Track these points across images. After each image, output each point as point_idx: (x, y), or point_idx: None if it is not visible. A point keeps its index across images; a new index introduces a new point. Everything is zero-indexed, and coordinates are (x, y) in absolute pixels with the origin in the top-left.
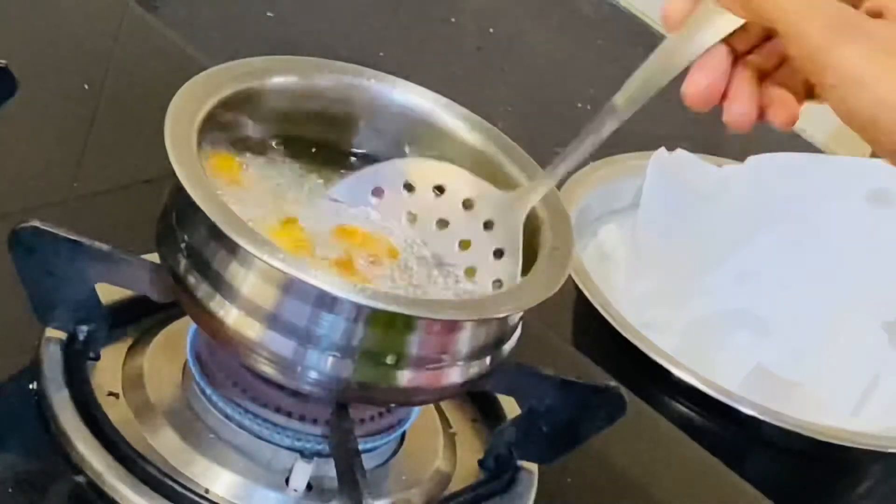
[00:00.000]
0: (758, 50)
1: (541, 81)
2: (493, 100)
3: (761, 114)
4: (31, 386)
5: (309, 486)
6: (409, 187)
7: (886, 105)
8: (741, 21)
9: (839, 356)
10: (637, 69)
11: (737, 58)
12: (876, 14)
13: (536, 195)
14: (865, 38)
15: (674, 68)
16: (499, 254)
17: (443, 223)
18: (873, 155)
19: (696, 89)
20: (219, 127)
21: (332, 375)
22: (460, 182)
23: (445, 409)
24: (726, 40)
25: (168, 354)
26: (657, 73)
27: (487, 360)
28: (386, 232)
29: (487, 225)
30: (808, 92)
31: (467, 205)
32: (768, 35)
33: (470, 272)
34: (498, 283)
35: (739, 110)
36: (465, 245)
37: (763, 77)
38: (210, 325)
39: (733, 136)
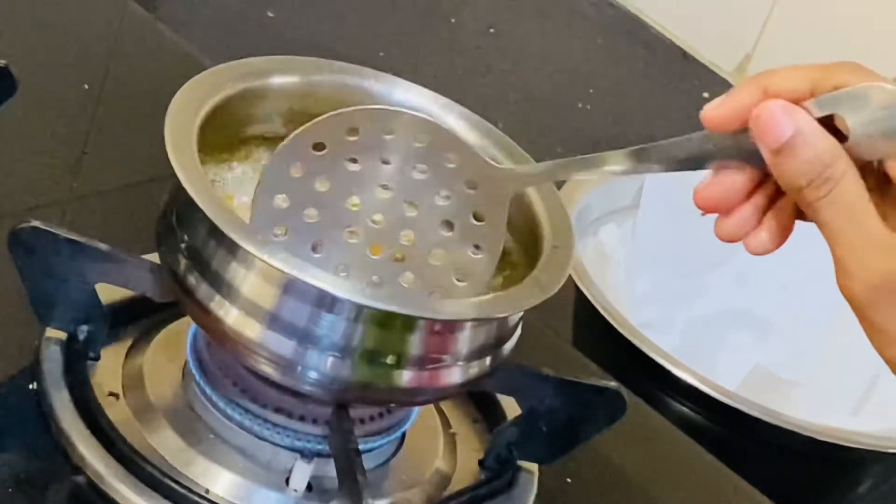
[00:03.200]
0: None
1: (541, 81)
2: (493, 100)
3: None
4: (31, 386)
5: (309, 486)
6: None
7: None
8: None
9: (839, 356)
10: (669, 141)
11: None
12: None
13: (530, 180)
14: None
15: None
16: (479, 218)
17: (422, 171)
18: None
19: (708, 194)
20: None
21: (332, 375)
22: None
23: (445, 409)
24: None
25: (168, 354)
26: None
27: (487, 360)
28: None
29: (470, 185)
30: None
31: (449, 161)
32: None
33: (447, 225)
34: (477, 248)
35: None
36: (444, 198)
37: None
38: (210, 325)
39: None
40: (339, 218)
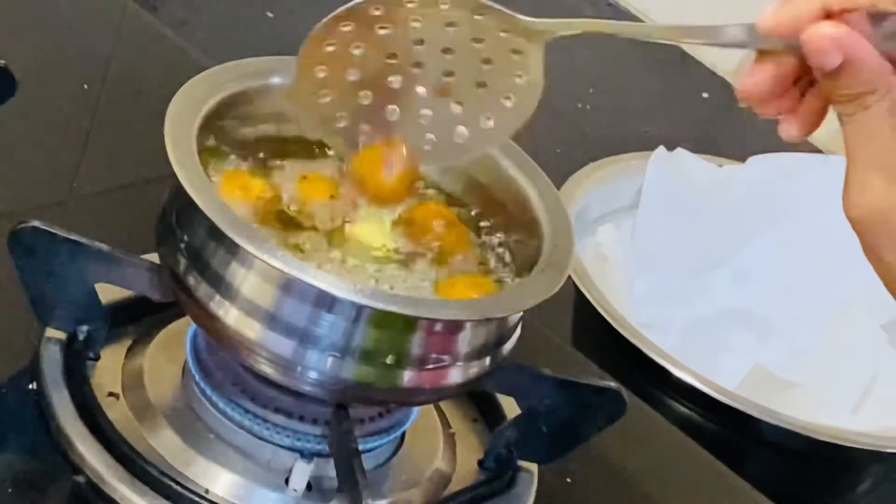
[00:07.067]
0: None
1: None
2: None
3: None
4: (31, 386)
5: (309, 486)
6: None
7: None
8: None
9: (838, 356)
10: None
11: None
12: None
13: (561, 28)
14: None
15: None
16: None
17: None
18: None
19: (753, 87)
20: (218, 127)
21: (332, 375)
22: None
23: (445, 409)
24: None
25: (168, 354)
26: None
27: (487, 360)
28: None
29: (504, 31)
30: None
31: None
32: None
33: (487, 61)
34: (508, 98)
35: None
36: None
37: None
38: (210, 325)
39: (733, 135)
40: (381, 70)
